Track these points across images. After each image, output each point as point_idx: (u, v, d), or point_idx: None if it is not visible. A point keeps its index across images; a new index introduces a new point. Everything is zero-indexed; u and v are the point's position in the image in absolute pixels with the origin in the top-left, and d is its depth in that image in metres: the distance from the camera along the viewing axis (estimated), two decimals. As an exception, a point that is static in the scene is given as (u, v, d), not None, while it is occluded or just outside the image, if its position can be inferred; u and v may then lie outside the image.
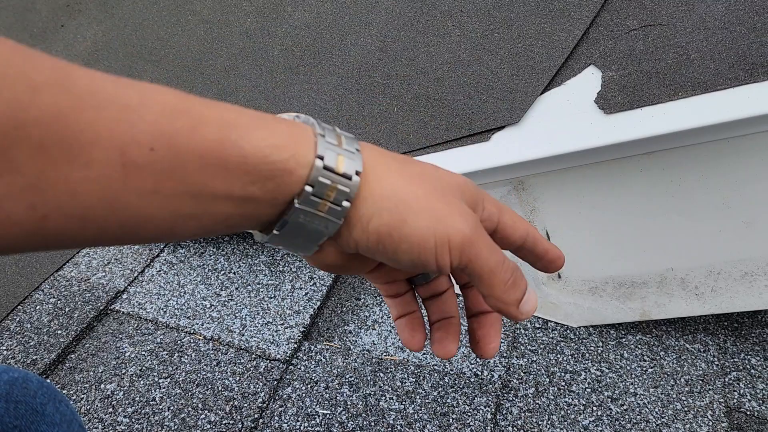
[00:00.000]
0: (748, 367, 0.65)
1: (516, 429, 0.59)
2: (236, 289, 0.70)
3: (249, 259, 0.74)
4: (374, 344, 0.66)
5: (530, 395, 0.61)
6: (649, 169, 0.56)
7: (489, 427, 0.58)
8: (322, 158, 0.29)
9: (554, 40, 0.58)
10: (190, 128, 0.26)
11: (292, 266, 0.73)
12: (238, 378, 0.62)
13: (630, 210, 0.59)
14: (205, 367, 0.63)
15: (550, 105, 0.57)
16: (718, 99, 0.50)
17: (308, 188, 0.28)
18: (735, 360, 0.65)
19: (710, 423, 0.59)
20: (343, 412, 0.59)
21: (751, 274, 0.59)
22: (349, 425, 0.58)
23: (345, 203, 0.29)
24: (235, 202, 0.28)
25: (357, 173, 0.29)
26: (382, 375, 0.63)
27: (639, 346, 0.66)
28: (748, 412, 0.60)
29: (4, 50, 0.22)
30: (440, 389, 0.61)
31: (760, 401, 0.61)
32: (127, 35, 0.94)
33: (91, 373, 0.64)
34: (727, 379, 0.63)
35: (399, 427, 0.58)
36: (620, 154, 0.55)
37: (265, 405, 0.60)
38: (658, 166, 0.55)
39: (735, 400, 0.61)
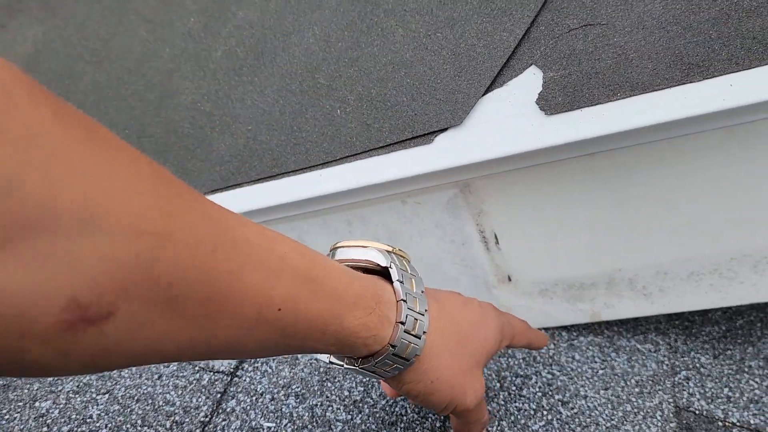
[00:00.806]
0: (698, 366, 0.64)
1: (465, 436, 0.57)
2: (181, 298, 0.68)
3: (195, 267, 0.71)
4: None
5: (480, 401, 0.60)
6: (593, 171, 0.55)
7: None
8: (394, 345, 0.36)
9: (496, 40, 0.57)
10: (311, 298, 0.30)
11: (239, 274, 0.71)
12: (180, 392, 0.60)
13: (576, 211, 0.58)
14: (146, 381, 0.61)
15: (492, 106, 0.56)
16: (656, 99, 0.49)
17: (388, 350, 0.35)
18: (685, 359, 0.65)
19: (659, 424, 0.59)
20: (289, 424, 0.58)
21: (697, 274, 0.59)
22: (293, 438, 0.57)
23: (413, 359, 0.37)
24: (312, 349, 0.33)
25: (424, 332, 0.37)
26: (329, 384, 0.61)
27: (590, 347, 0.66)
28: (697, 412, 0.60)
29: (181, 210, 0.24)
30: (389, 398, 0.60)
31: (709, 400, 0.61)
32: (69, 36, 0.90)
33: (26, 391, 0.62)
34: (676, 379, 0.63)
35: (345, 439, 0.57)
36: (562, 156, 0.54)
37: (207, 419, 0.58)
38: (601, 168, 0.55)
39: (684, 400, 0.61)
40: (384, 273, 0.38)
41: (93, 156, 0.21)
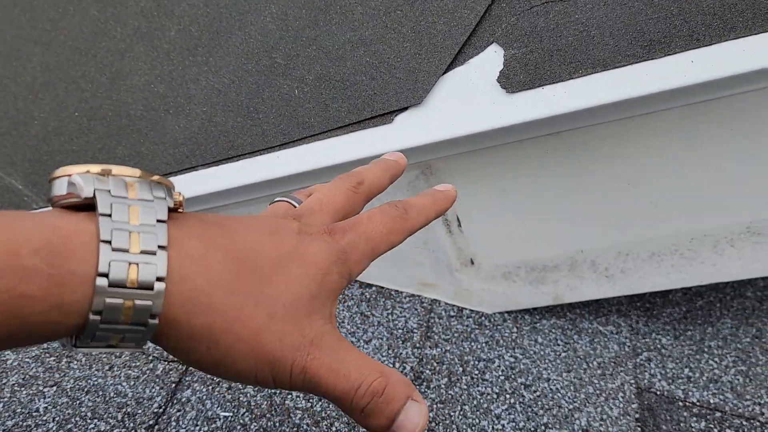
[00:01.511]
0: (659, 347, 0.65)
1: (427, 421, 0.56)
2: (134, 286, 0.66)
3: (149, 255, 0.69)
4: (282, 340, 0.63)
5: (443, 386, 0.59)
6: (555, 150, 0.54)
7: (399, 422, 0.56)
8: (98, 311, 0.24)
9: (457, 17, 0.56)
10: None
11: (195, 260, 0.68)
12: (132, 383, 0.58)
13: (538, 192, 0.58)
14: (96, 372, 0.59)
15: (452, 85, 0.55)
16: (617, 76, 0.48)
17: (93, 320, 0.24)
18: (646, 340, 0.65)
19: (621, 405, 0.58)
20: (247, 414, 0.56)
21: (658, 255, 0.59)
22: (252, 427, 0.55)
23: (151, 321, 0.25)
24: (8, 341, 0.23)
25: (159, 279, 0.25)
26: (289, 372, 0.60)
27: (553, 330, 0.65)
28: (658, 392, 0.60)
29: None
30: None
31: (670, 380, 0.61)
32: (16, 16, 0.86)
33: (-32, 385, 0.59)
34: (638, 360, 0.63)
35: (305, 426, 0.55)
36: (525, 135, 0.53)
37: (161, 410, 0.56)
38: (563, 147, 0.54)
39: (646, 381, 0.61)
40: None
41: None
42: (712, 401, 0.60)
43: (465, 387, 0.60)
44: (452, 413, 0.57)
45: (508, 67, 0.52)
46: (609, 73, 0.49)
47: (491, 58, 0.54)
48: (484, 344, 0.63)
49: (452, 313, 0.66)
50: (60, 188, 0.25)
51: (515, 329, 0.65)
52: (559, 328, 0.66)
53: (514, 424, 0.57)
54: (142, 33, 0.74)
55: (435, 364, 0.61)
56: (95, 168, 0.25)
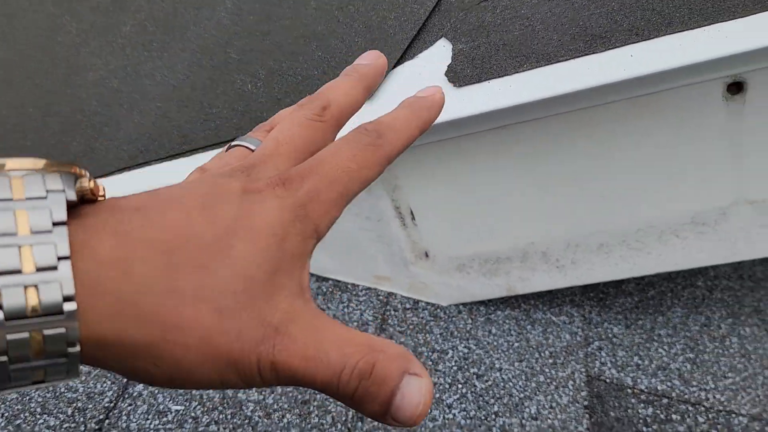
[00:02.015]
0: (610, 336, 0.66)
1: (381, 412, 0.57)
2: (89, 282, 0.65)
3: (105, 250, 0.69)
4: (238, 334, 0.63)
5: (397, 377, 0.60)
6: (504, 143, 0.55)
7: (350, 413, 0.57)
8: (4, 353, 0.19)
9: (407, 12, 0.56)
10: None
11: (152, 256, 0.68)
12: (83, 378, 0.58)
13: (490, 185, 0.59)
14: (49, 368, 0.59)
15: (402, 79, 0.55)
16: (561, 70, 0.49)
17: (1, 361, 0.19)
18: (598, 330, 0.66)
19: (571, 393, 0.60)
20: (198, 407, 0.56)
21: (607, 246, 0.60)
22: (203, 420, 0.55)
23: (71, 349, 0.20)
24: None
25: (67, 298, 0.19)
26: (244, 365, 0.60)
27: (507, 321, 0.66)
28: (608, 380, 0.62)
29: None
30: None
31: (620, 368, 0.63)
32: (-30, 10, 0.85)
33: None
34: (589, 349, 0.64)
35: (257, 418, 0.56)
36: (473, 129, 0.54)
37: (112, 404, 0.56)
38: (512, 140, 0.55)
39: (596, 369, 0.63)
40: None
41: None
42: (659, 388, 0.62)
43: (419, 378, 0.60)
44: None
45: (456, 62, 0.53)
46: (552, 67, 0.50)
47: (440, 53, 0.54)
48: (438, 335, 0.64)
49: (408, 306, 0.67)
50: None
51: (470, 320, 0.66)
52: (513, 318, 0.67)
53: (465, 413, 0.57)
54: (97, 28, 0.74)
55: (390, 356, 0.62)
56: None
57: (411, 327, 0.65)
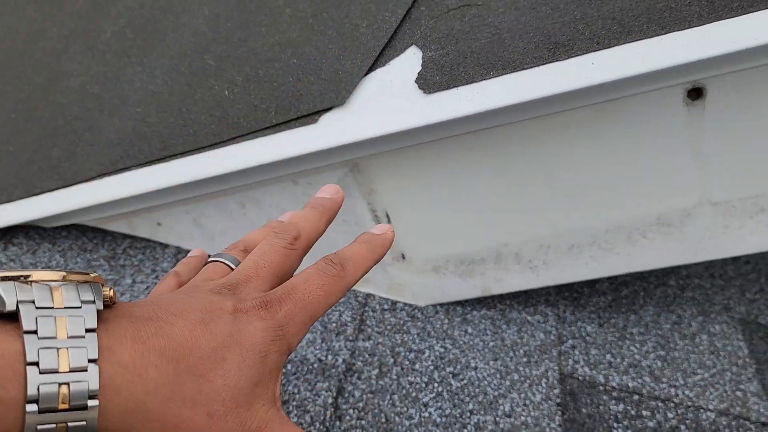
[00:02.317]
0: (583, 334, 0.67)
1: (357, 411, 0.59)
2: (71, 286, 0.66)
3: (87, 254, 0.70)
4: (218, 336, 0.64)
5: (374, 377, 0.62)
6: (474, 148, 0.57)
7: (329, 411, 0.58)
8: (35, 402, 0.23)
9: (379, 20, 0.58)
10: None
11: (133, 259, 0.70)
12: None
13: (462, 189, 0.60)
14: None
15: (374, 86, 0.56)
16: (525, 78, 0.51)
17: None
18: (572, 328, 0.68)
19: (544, 390, 0.61)
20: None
21: (577, 246, 0.62)
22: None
23: None
24: None
25: (92, 396, 0.24)
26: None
27: (483, 320, 0.68)
28: (581, 378, 0.63)
29: None
30: (282, 378, 0.60)
31: (592, 366, 0.64)
32: (-47, 16, 0.86)
33: None
34: (563, 348, 0.66)
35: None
36: (442, 134, 0.55)
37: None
38: (481, 145, 0.56)
39: (569, 367, 0.64)
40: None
41: None
42: (630, 385, 0.63)
43: (395, 377, 0.62)
44: (381, 402, 0.59)
45: (426, 69, 0.54)
46: (518, 74, 0.51)
47: (410, 60, 0.56)
48: (415, 336, 0.66)
49: (386, 307, 0.68)
50: None
51: (446, 321, 0.67)
52: (489, 318, 0.68)
53: (440, 411, 0.59)
54: (78, 34, 0.75)
55: (367, 356, 0.63)
56: (14, 273, 0.24)
57: (389, 327, 0.66)
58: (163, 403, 0.26)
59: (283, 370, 0.61)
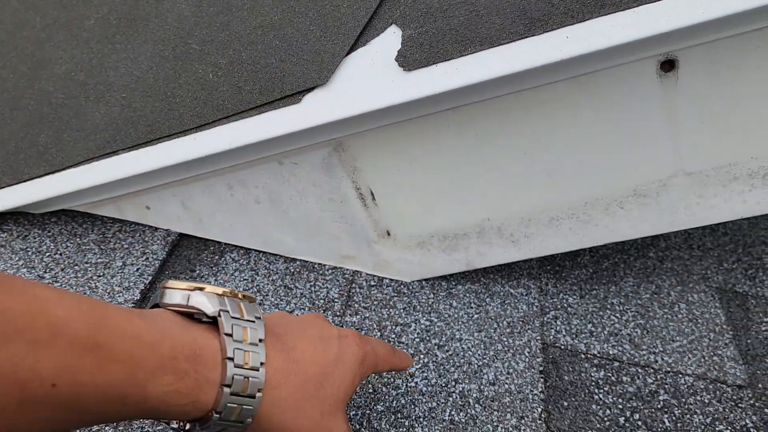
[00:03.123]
0: (565, 306, 0.69)
1: (346, 384, 0.60)
2: (62, 270, 0.67)
3: (77, 239, 0.71)
4: (209, 315, 0.65)
5: (362, 350, 0.63)
6: (455, 124, 0.58)
7: (319, 385, 0.59)
8: (219, 412, 0.31)
9: (359, 0, 0.59)
10: (96, 367, 0.26)
11: (123, 243, 0.71)
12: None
13: (444, 165, 0.61)
14: (25, 353, 0.61)
15: (355, 65, 0.58)
16: (502, 53, 0.52)
17: (215, 417, 0.31)
18: (554, 300, 0.70)
19: (527, 359, 0.63)
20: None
21: (557, 219, 0.63)
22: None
23: (248, 420, 0.33)
24: (127, 418, 0.30)
25: (259, 390, 0.33)
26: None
27: (467, 294, 0.69)
28: (563, 347, 0.65)
29: None
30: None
31: (574, 335, 0.66)
32: (-65, 7, 0.86)
33: None
34: (545, 318, 0.68)
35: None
36: (423, 111, 0.57)
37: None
38: (461, 121, 0.58)
39: (551, 337, 0.66)
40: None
41: None
42: (611, 352, 0.65)
43: (383, 350, 0.63)
44: (364, 382, 0.61)
45: (405, 47, 0.55)
46: (494, 50, 0.52)
47: (390, 39, 0.57)
48: (401, 310, 0.67)
49: (373, 283, 0.70)
50: (174, 298, 0.33)
51: (432, 295, 0.69)
52: (473, 292, 0.70)
53: (426, 381, 0.61)
54: (61, 22, 0.75)
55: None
56: (190, 285, 0.33)
57: (375, 303, 0.68)
58: (297, 400, 0.35)
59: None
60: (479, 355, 0.63)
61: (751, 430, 0.59)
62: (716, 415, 0.60)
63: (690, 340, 0.67)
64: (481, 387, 0.60)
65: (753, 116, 0.56)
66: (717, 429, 0.58)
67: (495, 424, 0.57)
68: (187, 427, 0.34)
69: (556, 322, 0.67)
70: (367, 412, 0.57)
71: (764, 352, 0.66)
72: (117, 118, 0.66)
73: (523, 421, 0.57)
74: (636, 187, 0.60)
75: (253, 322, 0.34)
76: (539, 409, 0.58)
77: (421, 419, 0.57)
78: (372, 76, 0.56)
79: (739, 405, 0.61)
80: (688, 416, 0.59)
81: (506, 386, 0.60)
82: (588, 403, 0.60)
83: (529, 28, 0.52)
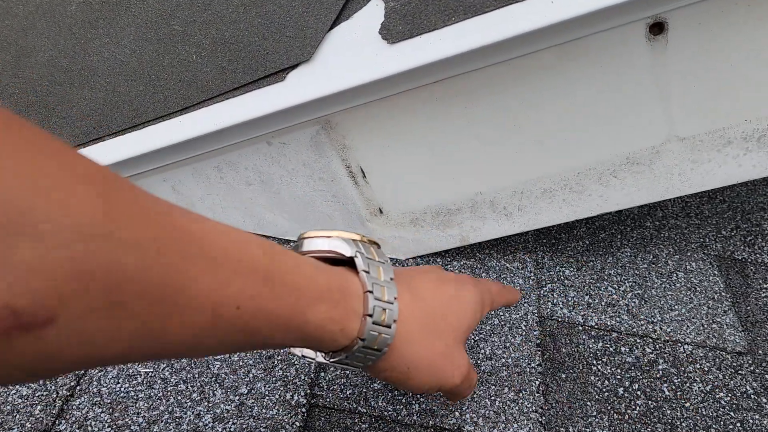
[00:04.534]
0: (562, 278, 0.69)
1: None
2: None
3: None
4: (203, 299, 0.65)
5: (357, 329, 0.63)
6: (443, 97, 0.57)
7: (312, 365, 0.59)
8: (363, 339, 0.34)
9: (341, -26, 0.58)
10: (271, 295, 0.29)
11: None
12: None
13: (433, 139, 0.61)
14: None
15: (338, 39, 0.57)
16: (486, 21, 0.51)
17: (359, 344, 0.34)
18: (550, 273, 0.69)
19: (524, 333, 0.62)
20: (166, 368, 0.59)
21: (550, 191, 0.62)
22: (172, 380, 0.58)
23: (384, 348, 0.36)
24: (281, 345, 0.33)
25: (394, 321, 0.36)
26: (209, 328, 0.62)
27: (463, 270, 0.69)
28: (560, 319, 0.64)
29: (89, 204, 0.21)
30: (268, 334, 0.61)
31: (571, 308, 0.65)
32: None
33: None
34: (541, 291, 0.67)
35: (224, 375, 0.58)
36: (409, 85, 0.56)
37: (82, 371, 0.58)
38: (450, 93, 0.57)
39: (548, 310, 0.65)
40: (351, 263, 0.37)
41: (13, 148, 0.20)
42: (609, 323, 0.64)
43: (378, 329, 0.63)
44: (366, 353, 0.60)
45: (389, 19, 0.54)
46: (478, 18, 0.51)
47: (373, 12, 0.56)
48: (397, 288, 0.67)
49: (367, 262, 0.69)
50: (316, 244, 0.37)
51: (427, 272, 0.68)
52: (469, 268, 0.69)
53: (423, 358, 0.60)
54: (44, 9, 0.74)
55: (350, 310, 0.64)
56: (327, 232, 0.38)
57: (370, 282, 0.67)
58: (422, 333, 0.38)
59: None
60: (476, 329, 0.62)
61: (752, 396, 0.58)
62: (716, 383, 0.59)
63: (689, 308, 0.66)
64: (478, 362, 0.59)
65: (745, 78, 0.55)
66: (717, 396, 0.58)
67: (493, 398, 0.56)
68: (334, 358, 0.36)
69: (552, 294, 0.67)
70: (364, 390, 0.57)
71: (764, 319, 0.65)
72: (102, 103, 0.65)
73: (521, 395, 0.57)
74: (629, 154, 0.59)
75: (384, 263, 0.37)
76: (537, 382, 0.58)
77: (419, 395, 0.56)
78: (356, 50, 0.55)
79: (739, 372, 0.60)
80: (687, 384, 0.59)
81: (503, 360, 0.60)
82: (586, 375, 0.60)
83: (512, -7, 0.51)
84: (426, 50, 0.52)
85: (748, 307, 0.67)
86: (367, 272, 0.35)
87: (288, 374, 0.58)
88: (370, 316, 0.34)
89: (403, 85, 0.56)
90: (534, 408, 0.56)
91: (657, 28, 0.52)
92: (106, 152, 0.63)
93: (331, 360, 0.36)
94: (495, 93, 0.56)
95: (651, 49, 0.53)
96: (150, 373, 0.58)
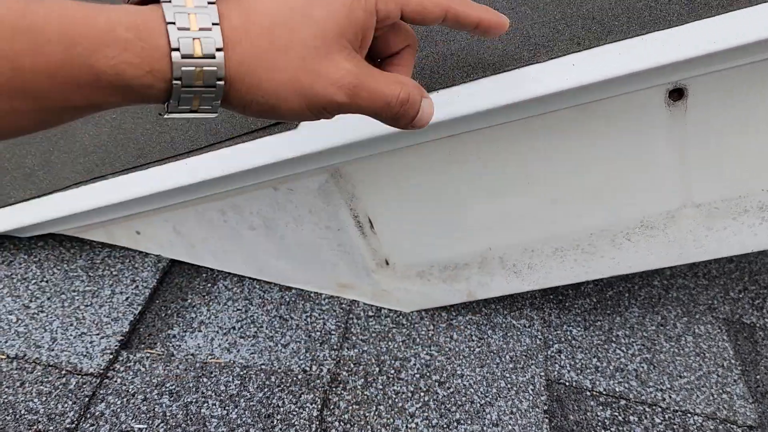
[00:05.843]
0: (569, 338, 0.67)
1: (342, 423, 0.58)
2: (48, 299, 0.65)
3: (65, 265, 0.68)
4: (199, 347, 0.63)
5: (359, 387, 0.61)
6: (457, 151, 0.56)
7: (315, 425, 0.57)
8: (179, 78, 0.30)
9: (358, 24, 0.57)
10: (32, 50, 0.26)
11: (112, 269, 0.68)
12: (44, 398, 0.57)
13: (445, 193, 0.59)
14: (6, 389, 0.58)
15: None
16: (506, 80, 0.50)
17: (176, 84, 0.30)
18: (558, 332, 0.67)
19: (531, 398, 0.60)
20: (162, 425, 0.56)
21: (561, 250, 0.61)
22: (164, 436, 0.55)
23: (218, 83, 0.31)
24: (102, 106, 0.30)
25: (218, 49, 0.30)
26: (205, 380, 0.60)
27: (468, 326, 0.67)
28: (567, 383, 0.63)
29: None
30: (266, 390, 0.59)
31: (579, 371, 0.64)
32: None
33: None
34: (549, 352, 0.65)
35: (218, 433, 0.56)
36: (424, 138, 0.55)
37: (74, 425, 0.56)
38: (464, 148, 0.56)
39: (555, 373, 0.63)
40: None
41: None
42: (617, 390, 0.63)
43: (381, 387, 0.61)
44: (367, 414, 0.58)
45: (406, 73, 0.53)
46: (498, 77, 0.50)
47: (390, 64, 0.55)
48: (401, 343, 0.65)
49: (371, 313, 0.67)
50: None
51: (432, 327, 0.67)
52: (474, 323, 0.67)
53: (427, 421, 0.58)
54: None
55: (352, 365, 0.62)
56: None
57: (374, 335, 0.65)
58: (265, 53, 0.32)
59: (267, 383, 0.60)
60: (481, 392, 0.60)
61: (764, 472, 0.56)
62: (728, 457, 0.57)
63: (698, 376, 0.64)
64: (484, 428, 0.57)
65: (763, 147, 0.54)
66: (729, 471, 0.56)
67: (497, 466, 0.54)
68: (171, 109, 0.32)
69: (560, 356, 0.65)
70: (364, 453, 0.55)
71: (775, 389, 0.64)
72: (106, 140, 0.64)
73: (526, 463, 0.55)
74: (643, 218, 0.58)
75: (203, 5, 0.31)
76: (544, 450, 0.56)
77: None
78: (371, 102, 0.54)
79: (751, 446, 0.58)
80: (698, 458, 0.57)
81: (510, 427, 0.58)
82: (594, 444, 0.58)
83: (533, 54, 0.50)
84: (443, 106, 0.51)
85: (758, 376, 0.65)
86: (169, 1, 0.30)
87: (285, 432, 0.56)
88: (177, 49, 0.29)
89: (416, 138, 0.55)
90: (541, 479, 0.54)
91: (677, 93, 0.52)
92: (109, 191, 0.61)
93: (169, 112, 0.32)
94: (509, 149, 0.55)
95: (670, 114, 0.53)
96: (144, 430, 0.55)
